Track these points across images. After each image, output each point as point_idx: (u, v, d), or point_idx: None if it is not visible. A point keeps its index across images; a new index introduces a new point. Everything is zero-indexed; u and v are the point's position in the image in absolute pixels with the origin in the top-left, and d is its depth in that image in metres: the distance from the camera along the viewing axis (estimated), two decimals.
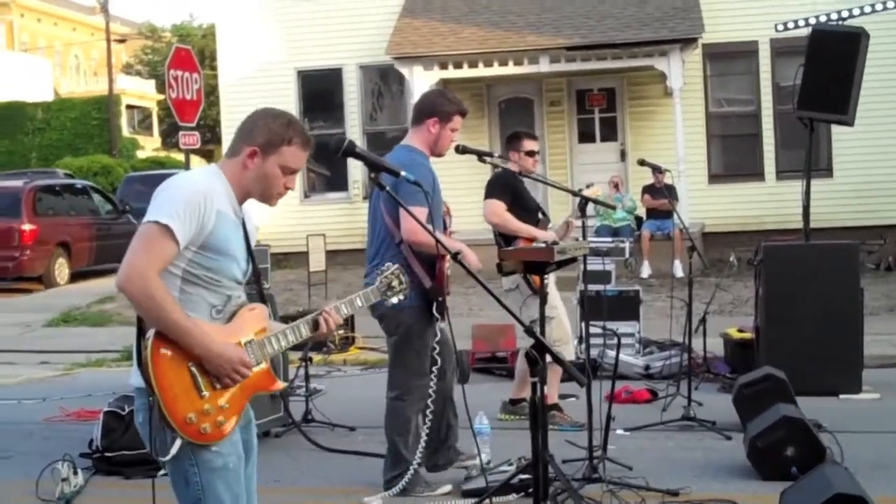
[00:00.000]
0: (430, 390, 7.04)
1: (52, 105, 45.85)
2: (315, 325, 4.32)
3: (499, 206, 8.59)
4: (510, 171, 8.74)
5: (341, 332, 13.14)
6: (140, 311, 3.95)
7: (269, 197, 4.27)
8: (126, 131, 49.96)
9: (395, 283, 4.59)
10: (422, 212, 6.16)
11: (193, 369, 3.98)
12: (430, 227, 6.47)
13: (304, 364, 9.75)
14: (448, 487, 7.23)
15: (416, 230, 6.63)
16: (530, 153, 8.91)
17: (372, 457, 7.98)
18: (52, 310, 17.95)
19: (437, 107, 7.11)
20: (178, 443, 3.96)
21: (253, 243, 4.33)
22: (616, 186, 18.92)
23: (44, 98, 48.80)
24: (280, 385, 4.35)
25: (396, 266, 4.64)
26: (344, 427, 9.18)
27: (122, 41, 60.36)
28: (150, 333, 3.92)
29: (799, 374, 8.91)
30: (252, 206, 4.35)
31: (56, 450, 7.97)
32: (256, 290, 4.43)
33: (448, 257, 6.25)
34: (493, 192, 8.77)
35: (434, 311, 6.87)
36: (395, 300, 4.60)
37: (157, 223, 3.94)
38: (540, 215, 8.96)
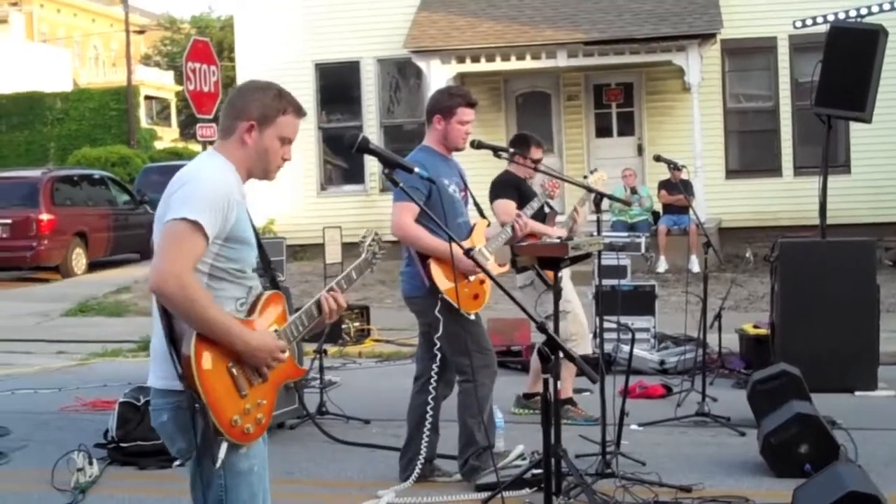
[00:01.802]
0: (495, 365, 7.22)
1: (71, 95, 45.93)
2: (320, 307, 4.29)
3: (509, 206, 8.48)
4: (512, 172, 8.80)
5: (357, 324, 13.17)
6: (178, 312, 3.83)
7: (269, 171, 4.21)
8: (144, 122, 50.13)
9: (376, 248, 4.66)
10: (409, 208, 6.69)
11: (233, 370, 3.91)
12: (416, 225, 6.72)
13: (318, 356, 9.78)
14: (521, 448, 7.59)
15: (401, 225, 6.84)
16: (537, 161, 8.91)
17: (385, 450, 8.01)
18: (69, 299, 18.02)
19: (438, 103, 7.19)
20: (224, 446, 3.88)
21: None
22: (633, 190, 18.81)
23: (63, 88, 48.92)
24: (303, 370, 4.40)
25: (374, 231, 4.71)
26: (358, 420, 9.18)
27: (140, 32, 60.46)
28: (192, 337, 3.82)
29: (814, 371, 8.90)
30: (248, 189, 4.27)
31: (72, 439, 8.03)
32: (269, 277, 4.36)
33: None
34: (500, 192, 8.75)
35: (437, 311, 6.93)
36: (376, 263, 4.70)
37: (185, 220, 3.83)
38: (546, 209, 8.95)
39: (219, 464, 3.90)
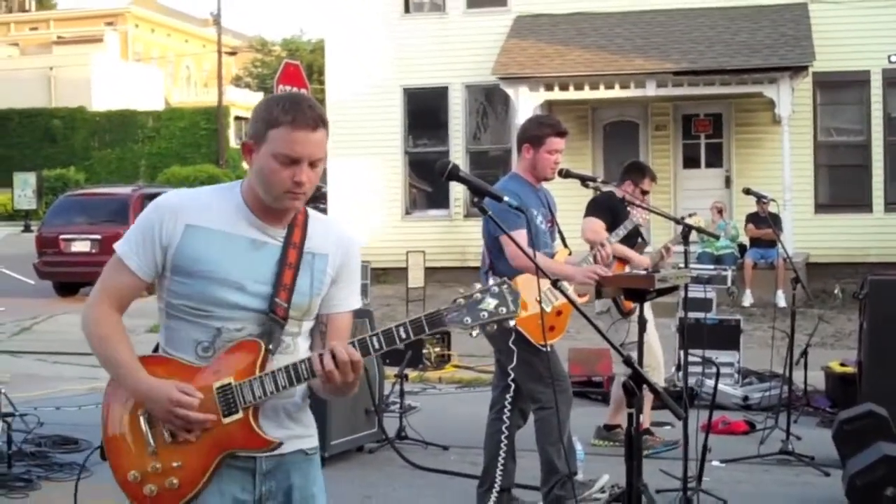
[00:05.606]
0: (570, 391, 7.17)
1: (163, 114, 46.74)
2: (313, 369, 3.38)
3: (598, 225, 8.54)
4: (614, 194, 8.72)
5: (437, 349, 13.19)
6: (91, 348, 3.51)
7: (274, 197, 3.40)
8: (233, 142, 50.69)
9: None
10: (520, 235, 6.36)
11: (142, 419, 3.41)
12: (529, 250, 6.56)
13: (399, 380, 9.79)
14: (606, 477, 7.36)
15: (517, 254, 6.66)
16: (645, 192, 8.94)
17: (463, 477, 7.98)
18: (156, 316, 18.18)
19: (527, 132, 7.17)
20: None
21: (325, 275, 3.54)
22: (720, 212, 18.74)
23: (155, 107, 49.74)
24: (267, 441, 3.42)
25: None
26: (437, 446, 9.17)
27: (232, 54, 61.23)
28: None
29: None
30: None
31: None
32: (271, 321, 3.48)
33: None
34: (593, 210, 8.78)
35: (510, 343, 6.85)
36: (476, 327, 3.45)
37: (116, 250, 3.57)
38: (639, 239, 8.94)
39: None
